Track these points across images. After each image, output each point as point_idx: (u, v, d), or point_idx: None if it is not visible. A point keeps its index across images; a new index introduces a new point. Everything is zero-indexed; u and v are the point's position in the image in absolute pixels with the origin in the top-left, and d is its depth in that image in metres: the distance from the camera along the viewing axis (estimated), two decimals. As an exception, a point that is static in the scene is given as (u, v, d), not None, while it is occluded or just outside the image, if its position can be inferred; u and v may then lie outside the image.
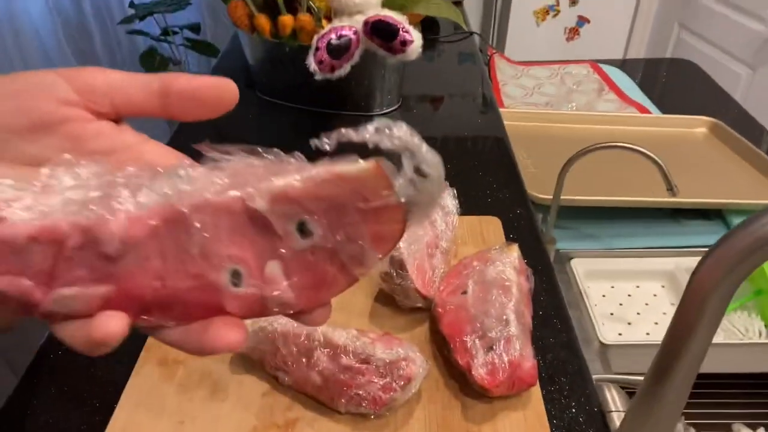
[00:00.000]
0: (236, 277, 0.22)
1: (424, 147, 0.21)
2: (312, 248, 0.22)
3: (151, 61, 2.66)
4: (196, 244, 0.21)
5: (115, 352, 0.56)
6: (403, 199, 0.21)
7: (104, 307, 0.21)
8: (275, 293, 0.22)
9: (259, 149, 0.22)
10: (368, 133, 0.21)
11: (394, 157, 0.21)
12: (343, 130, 0.21)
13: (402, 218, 0.22)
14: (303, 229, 0.22)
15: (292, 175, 0.21)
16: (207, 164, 0.22)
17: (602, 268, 0.89)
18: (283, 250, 0.22)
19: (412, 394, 0.41)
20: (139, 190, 0.21)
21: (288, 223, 0.22)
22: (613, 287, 0.90)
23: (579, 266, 0.88)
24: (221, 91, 0.26)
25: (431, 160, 0.21)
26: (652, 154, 0.74)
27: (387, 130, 0.21)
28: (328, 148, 0.22)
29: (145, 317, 0.22)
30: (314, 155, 0.22)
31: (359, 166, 0.21)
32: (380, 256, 0.23)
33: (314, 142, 0.22)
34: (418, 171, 0.21)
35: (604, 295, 0.88)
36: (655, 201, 0.92)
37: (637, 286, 0.90)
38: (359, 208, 0.22)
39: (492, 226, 0.66)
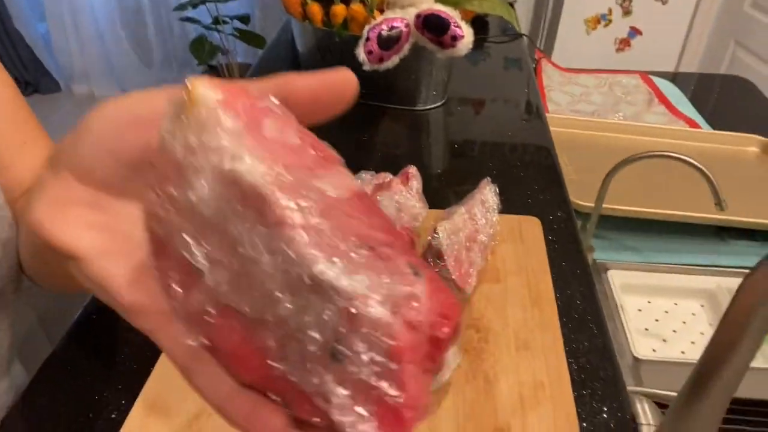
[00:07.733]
0: None
1: None
2: None
3: (201, 49, 2.72)
4: None
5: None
6: None
7: None
8: None
9: None
10: None
11: None
12: None
13: None
14: None
15: None
16: None
17: (640, 282, 0.87)
18: None
19: (443, 382, 0.41)
20: None
21: None
22: (649, 302, 0.87)
23: (616, 278, 0.86)
24: (342, 87, 0.24)
25: None
26: (701, 166, 0.72)
27: None
28: None
29: None
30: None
31: None
32: None
33: None
34: None
35: (640, 310, 0.86)
36: (701, 217, 0.89)
37: (675, 304, 0.87)
38: None
39: (532, 226, 0.65)
